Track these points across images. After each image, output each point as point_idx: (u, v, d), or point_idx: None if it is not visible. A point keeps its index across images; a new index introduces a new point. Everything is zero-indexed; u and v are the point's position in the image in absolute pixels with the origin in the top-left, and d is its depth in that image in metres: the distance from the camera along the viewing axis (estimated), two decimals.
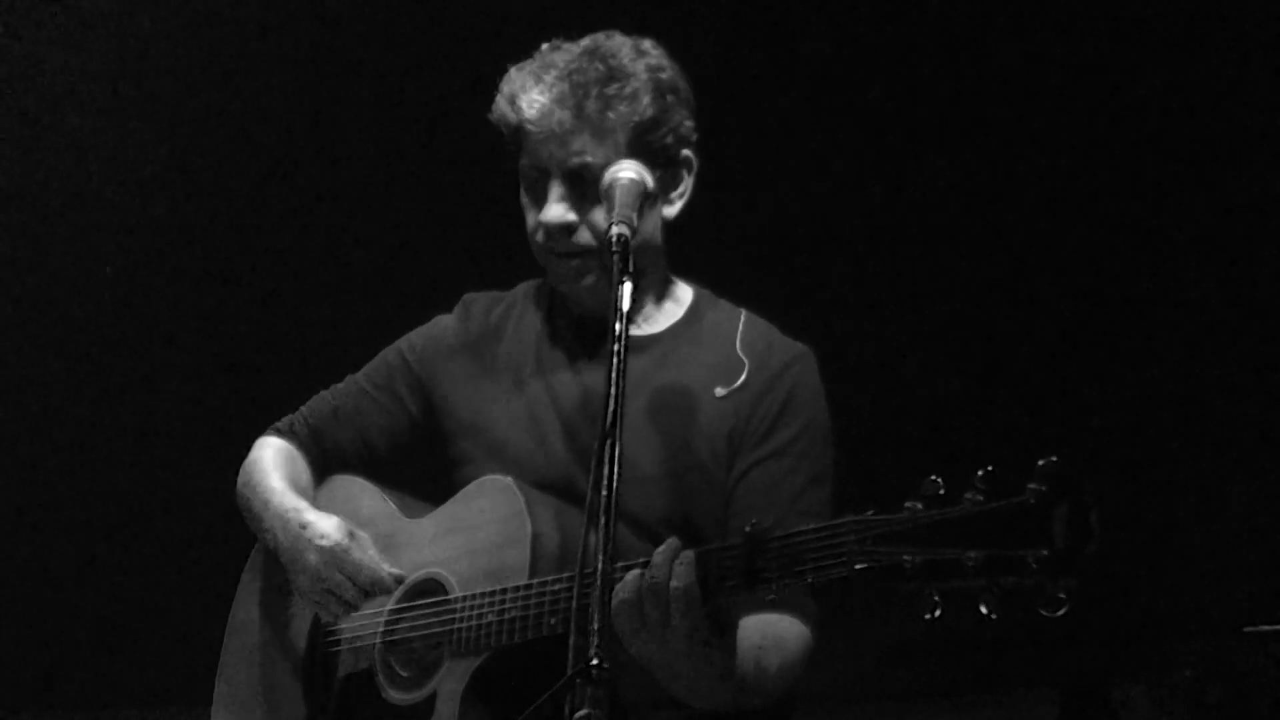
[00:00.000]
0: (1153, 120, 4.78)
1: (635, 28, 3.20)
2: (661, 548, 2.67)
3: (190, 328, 5.03)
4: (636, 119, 3.04)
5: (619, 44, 3.12)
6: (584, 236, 3.08)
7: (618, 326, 2.67)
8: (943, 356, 4.88)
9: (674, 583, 2.62)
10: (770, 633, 2.90)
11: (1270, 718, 4.39)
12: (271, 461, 3.33)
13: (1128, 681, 4.61)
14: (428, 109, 4.90)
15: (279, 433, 3.40)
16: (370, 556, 3.13)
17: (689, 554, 2.64)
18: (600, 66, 3.05)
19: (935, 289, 4.91)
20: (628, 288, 2.73)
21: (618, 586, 2.63)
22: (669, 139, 3.09)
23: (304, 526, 3.16)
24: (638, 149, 3.03)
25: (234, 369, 4.97)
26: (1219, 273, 4.78)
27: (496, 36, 3.29)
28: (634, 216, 2.85)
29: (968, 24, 4.89)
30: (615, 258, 2.77)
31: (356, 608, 3.13)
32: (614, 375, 2.61)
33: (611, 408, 2.56)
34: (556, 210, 3.07)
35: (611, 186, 2.89)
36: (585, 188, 3.04)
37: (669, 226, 3.14)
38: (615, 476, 2.51)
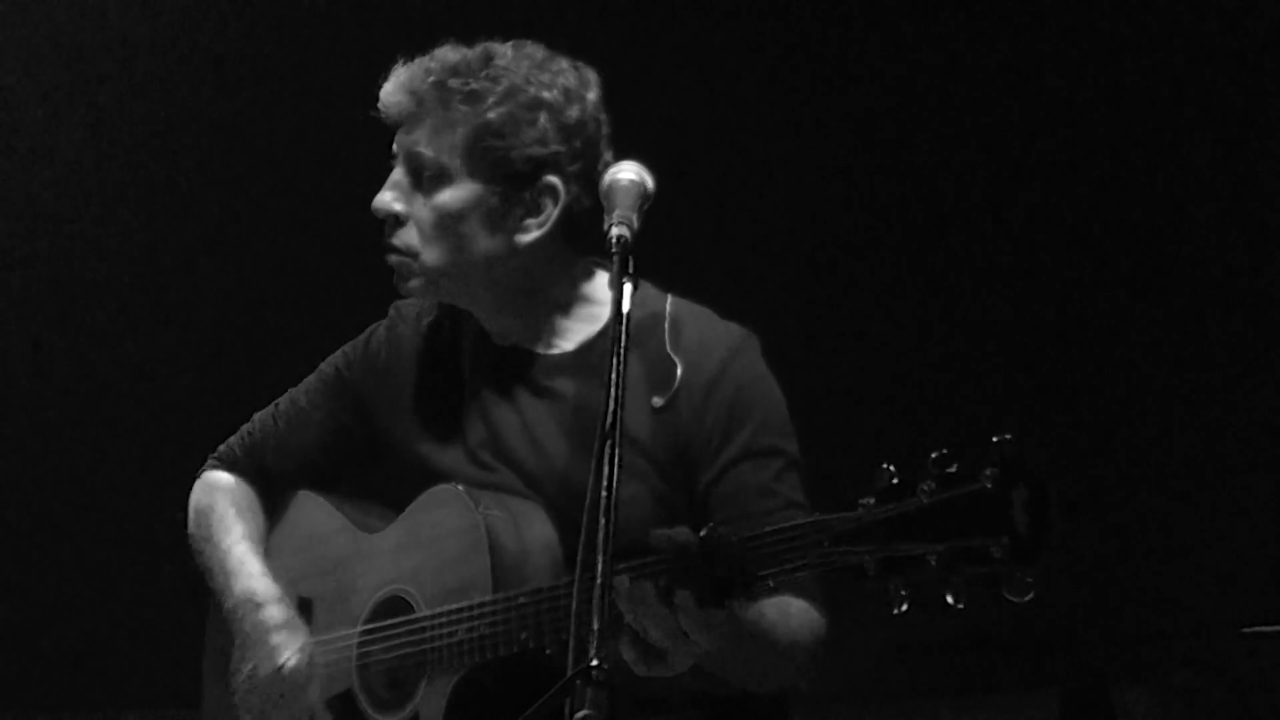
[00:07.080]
0: (1126, 108, 4.78)
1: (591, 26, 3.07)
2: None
3: (182, 327, 5.01)
4: (476, 121, 2.91)
5: (522, 53, 2.97)
6: (407, 238, 2.97)
7: (617, 328, 2.63)
8: (942, 351, 4.88)
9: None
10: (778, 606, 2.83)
11: (1270, 718, 4.39)
12: (228, 511, 3.24)
13: (1128, 682, 4.61)
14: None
15: (221, 463, 3.29)
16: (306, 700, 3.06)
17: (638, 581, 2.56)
18: (464, 64, 2.94)
19: (916, 279, 4.91)
20: (628, 289, 2.67)
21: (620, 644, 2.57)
22: (514, 155, 2.92)
23: (271, 638, 3.07)
24: (476, 156, 2.91)
25: (229, 368, 4.95)
26: (1217, 266, 4.78)
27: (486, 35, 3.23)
28: (634, 218, 2.77)
29: (936, 14, 4.90)
30: (615, 259, 2.71)
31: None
32: (614, 377, 2.57)
33: (611, 408, 2.53)
34: (384, 196, 2.96)
35: (611, 187, 2.82)
36: (422, 183, 2.95)
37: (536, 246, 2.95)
38: (615, 479, 2.47)
